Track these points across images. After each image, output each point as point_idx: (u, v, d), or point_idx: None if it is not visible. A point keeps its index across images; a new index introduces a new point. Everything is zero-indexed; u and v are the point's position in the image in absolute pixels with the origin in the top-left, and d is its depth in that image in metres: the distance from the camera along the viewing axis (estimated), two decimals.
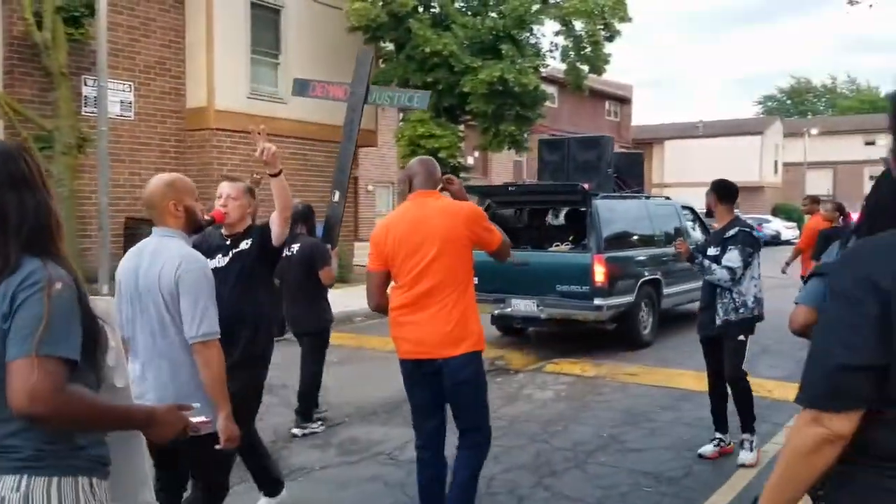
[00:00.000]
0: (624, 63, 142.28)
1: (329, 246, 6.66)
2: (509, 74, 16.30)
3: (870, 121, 61.52)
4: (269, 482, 4.27)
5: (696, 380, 7.90)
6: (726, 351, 5.32)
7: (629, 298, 9.37)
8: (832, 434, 1.45)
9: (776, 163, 53.04)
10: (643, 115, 74.50)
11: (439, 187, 3.88)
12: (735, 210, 5.48)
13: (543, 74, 29.69)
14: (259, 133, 3.49)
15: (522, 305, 9.19)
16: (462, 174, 20.30)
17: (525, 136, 19.73)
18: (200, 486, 3.28)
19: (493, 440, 3.96)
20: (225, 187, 3.85)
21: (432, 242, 3.60)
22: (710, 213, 5.79)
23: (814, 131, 52.62)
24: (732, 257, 5.15)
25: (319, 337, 5.99)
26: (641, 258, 9.81)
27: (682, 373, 8.16)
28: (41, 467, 1.74)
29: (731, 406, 5.41)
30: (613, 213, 9.59)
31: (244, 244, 3.83)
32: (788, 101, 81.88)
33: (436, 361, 3.59)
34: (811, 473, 1.49)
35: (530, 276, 9.02)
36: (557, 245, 9.86)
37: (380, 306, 3.82)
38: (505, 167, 40.39)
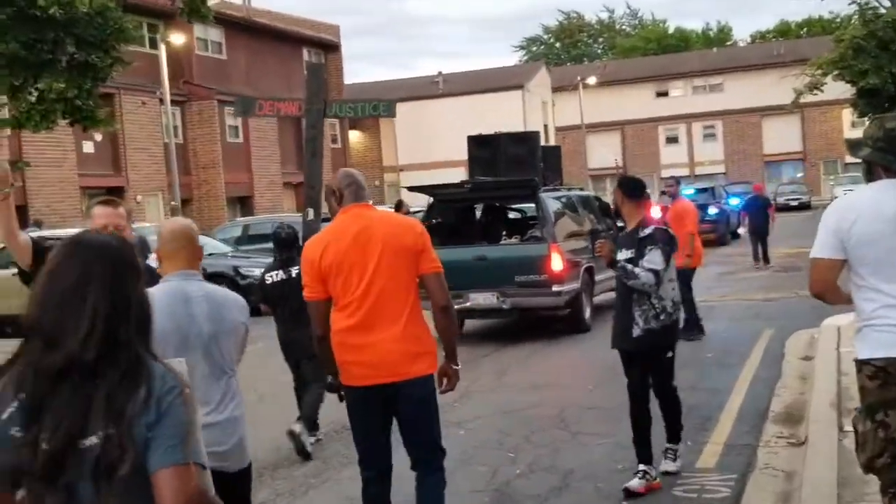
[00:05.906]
0: (330, 4, 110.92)
1: None
2: None
3: (659, 64, 51.14)
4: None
5: None
6: (654, 369, 5.41)
7: (577, 285, 10.81)
8: None
9: (546, 127, 40.92)
10: (362, 72, 59.95)
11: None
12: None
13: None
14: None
15: (482, 298, 10.38)
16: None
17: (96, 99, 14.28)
18: None
19: None
20: (112, 215, 3.71)
21: (376, 250, 3.76)
22: (618, 213, 5.95)
23: (591, 81, 42.89)
24: (654, 258, 5.15)
25: None
26: (580, 246, 11.27)
27: None
28: None
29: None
30: (556, 205, 11.45)
31: None
32: (557, 45, 73.80)
33: (394, 384, 3.79)
34: None
35: (487, 269, 10.23)
36: (506, 238, 11.77)
37: (327, 337, 3.88)
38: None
